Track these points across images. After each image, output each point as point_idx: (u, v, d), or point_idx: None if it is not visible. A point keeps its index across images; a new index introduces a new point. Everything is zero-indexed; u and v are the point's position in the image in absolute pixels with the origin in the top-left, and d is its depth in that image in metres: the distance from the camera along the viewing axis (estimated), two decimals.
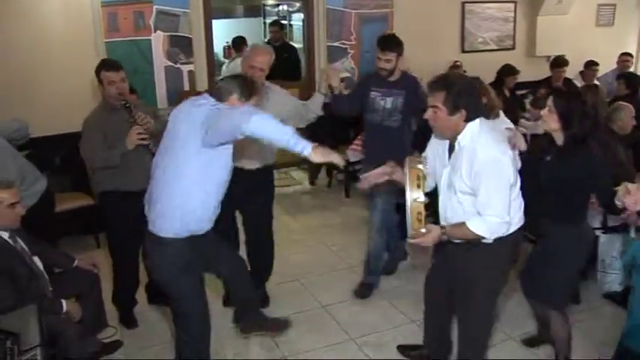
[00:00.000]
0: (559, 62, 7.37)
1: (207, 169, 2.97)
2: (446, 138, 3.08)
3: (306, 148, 2.67)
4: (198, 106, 3.01)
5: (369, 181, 3.46)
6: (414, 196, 2.88)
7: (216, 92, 3.07)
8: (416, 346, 3.92)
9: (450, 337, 3.71)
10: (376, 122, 4.58)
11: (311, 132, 4.91)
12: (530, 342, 4.09)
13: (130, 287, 4.53)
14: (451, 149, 3.07)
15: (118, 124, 3.99)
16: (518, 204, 3.05)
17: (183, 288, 3.21)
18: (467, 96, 2.93)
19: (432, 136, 3.25)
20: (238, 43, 8.28)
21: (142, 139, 3.88)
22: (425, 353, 3.82)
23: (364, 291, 4.78)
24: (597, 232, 4.53)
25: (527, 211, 3.15)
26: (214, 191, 3.08)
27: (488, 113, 3.44)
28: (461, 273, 3.21)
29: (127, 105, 4.01)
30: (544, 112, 3.32)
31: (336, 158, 2.76)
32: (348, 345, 4.16)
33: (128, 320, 4.46)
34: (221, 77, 3.17)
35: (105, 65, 4.09)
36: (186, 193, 2.98)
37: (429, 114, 3.00)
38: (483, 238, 2.95)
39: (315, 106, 4.31)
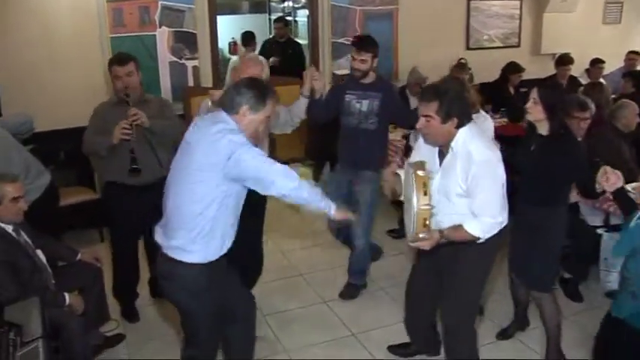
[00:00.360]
0: (564, 60, 7.35)
1: (228, 196, 2.85)
2: (437, 145, 3.15)
3: (331, 208, 2.95)
4: (218, 133, 2.78)
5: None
6: (422, 203, 2.91)
7: (227, 104, 2.89)
8: (405, 344, 3.94)
9: (436, 327, 3.78)
10: (352, 125, 4.49)
11: (321, 133, 4.89)
12: (504, 334, 4.19)
13: (131, 280, 4.56)
14: (440, 155, 3.16)
15: (116, 117, 4.03)
16: (505, 203, 3.10)
17: (200, 313, 3.06)
18: (458, 103, 3.01)
19: (419, 143, 3.32)
20: (248, 39, 8.29)
21: (126, 134, 3.93)
22: (415, 348, 3.90)
23: (352, 292, 4.78)
24: (600, 231, 4.54)
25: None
26: (234, 213, 2.97)
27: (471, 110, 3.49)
28: (451, 267, 3.29)
29: (127, 100, 4.06)
30: (529, 104, 3.48)
31: (352, 217, 3.12)
32: (349, 340, 4.18)
33: (130, 314, 4.49)
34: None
35: (112, 59, 4.21)
36: (207, 219, 2.84)
37: (422, 123, 3.05)
38: (478, 238, 3.03)
39: (299, 111, 4.14)
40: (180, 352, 3.40)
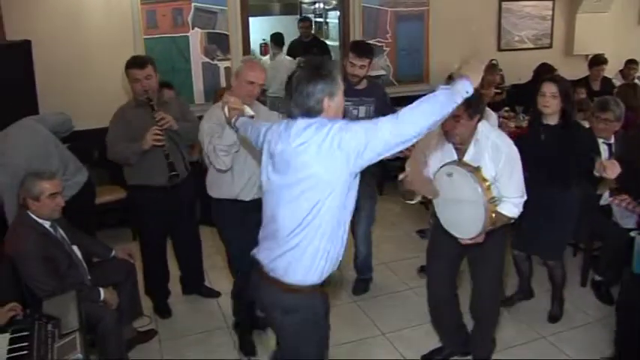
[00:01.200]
0: (598, 60, 7.22)
1: (348, 200, 2.48)
2: (462, 141, 3.25)
3: (467, 85, 2.27)
4: (321, 134, 2.36)
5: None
6: (489, 196, 3.04)
7: (305, 108, 2.43)
8: (437, 349, 3.94)
9: (463, 321, 3.86)
10: None
11: None
12: (507, 302, 4.46)
13: (161, 278, 4.63)
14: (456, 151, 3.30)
15: (141, 120, 4.08)
16: None
17: (320, 348, 2.80)
18: (479, 101, 3.14)
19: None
20: (278, 40, 8.33)
21: (158, 140, 3.97)
22: (448, 351, 3.90)
23: (364, 286, 4.86)
24: (633, 233, 4.48)
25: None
26: (348, 221, 2.60)
27: None
28: (478, 256, 3.46)
29: (151, 102, 4.10)
30: (548, 99, 3.83)
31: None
32: (379, 340, 4.19)
33: (162, 310, 4.56)
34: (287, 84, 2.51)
35: (130, 63, 4.17)
36: (330, 234, 2.48)
37: (450, 124, 3.11)
38: (513, 218, 3.23)
39: None
40: None
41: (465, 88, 2.25)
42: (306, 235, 2.45)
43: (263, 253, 2.62)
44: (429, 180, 3.30)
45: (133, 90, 4.17)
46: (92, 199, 4.73)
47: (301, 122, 2.43)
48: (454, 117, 3.04)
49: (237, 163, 3.64)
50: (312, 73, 2.42)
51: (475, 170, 3.08)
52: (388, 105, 4.47)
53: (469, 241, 3.19)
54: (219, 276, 5.02)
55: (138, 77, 4.08)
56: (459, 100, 2.25)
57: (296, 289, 2.53)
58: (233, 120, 3.15)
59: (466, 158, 3.21)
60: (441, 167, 3.23)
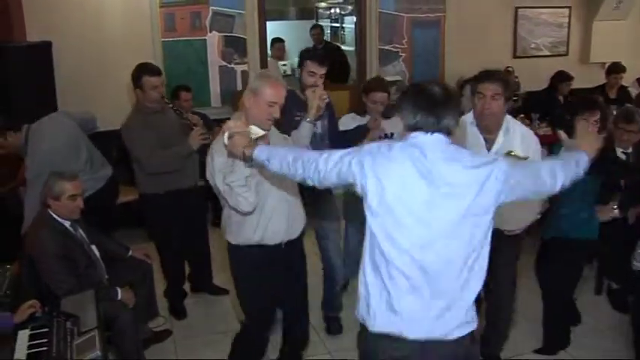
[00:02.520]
0: (616, 69, 7.18)
1: None
2: (491, 129, 3.26)
3: (584, 160, 2.37)
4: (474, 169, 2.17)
5: None
6: None
7: (444, 129, 2.20)
8: None
9: None
10: None
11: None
12: None
13: (179, 280, 4.69)
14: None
15: (167, 127, 4.16)
16: None
17: None
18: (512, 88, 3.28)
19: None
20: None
21: (204, 138, 4.02)
22: None
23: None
24: None
25: None
26: None
27: None
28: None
29: (175, 107, 4.19)
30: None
31: None
32: None
33: (178, 311, 4.60)
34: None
35: (148, 70, 4.18)
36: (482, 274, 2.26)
37: (489, 103, 3.14)
38: None
39: (303, 139, 3.51)
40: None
41: (583, 163, 2.35)
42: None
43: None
44: None
45: (148, 97, 4.13)
46: (115, 194, 4.86)
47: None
48: (493, 95, 3.12)
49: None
50: (453, 91, 2.34)
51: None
52: (335, 120, 4.17)
53: (518, 232, 3.30)
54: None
55: (156, 84, 4.13)
56: (580, 173, 2.33)
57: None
58: (249, 151, 2.56)
59: (496, 147, 3.24)
60: None
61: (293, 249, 3.28)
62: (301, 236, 3.33)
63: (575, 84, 7.17)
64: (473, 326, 2.26)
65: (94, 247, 3.81)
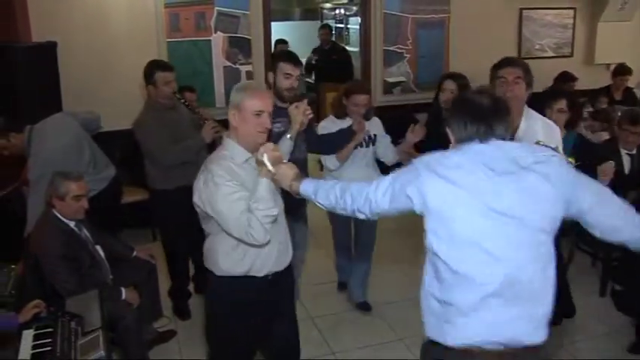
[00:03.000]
0: (623, 70, 7.15)
1: None
2: (514, 114, 3.05)
3: None
4: (540, 162, 2.10)
5: None
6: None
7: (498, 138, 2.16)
8: None
9: None
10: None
11: None
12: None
13: (184, 280, 4.69)
14: None
15: (178, 122, 4.20)
16: None
17: None
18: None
19: None
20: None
21: (217, 131, 4.06)
22: None
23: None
24: None
25: None
26: None
27: None
28: None
29: (186, 103, 4.23)
30: (447, 94, 4.34)
31: None
32: (397, 345, 4.20)
33: (183, 311, 4.61)
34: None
35: (160, 66, 4.27)
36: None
37: (512, 86, 3.13)
38: None
39: (282, 155, 3.11)
40: None
41: None
42: None
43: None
44: None
45: (161, 93, 4.21)
46: (119, 194, 4.87)
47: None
48: (515, 79, 3.13)
49: None
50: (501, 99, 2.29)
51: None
52: (314, 127, 4.11)
53: None
54: None
55: (169, 79, 4.20)
56: None
57: None
58: (296, 185, 2.51)
59: (519, 133, 3.19)
60: None
61: (281, 283, 2.94)
62: (289, 269, 3.00)
63: (580, 85, 7.15)
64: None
65: (98, 248, 3.83)
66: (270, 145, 2.61)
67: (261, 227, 2.55)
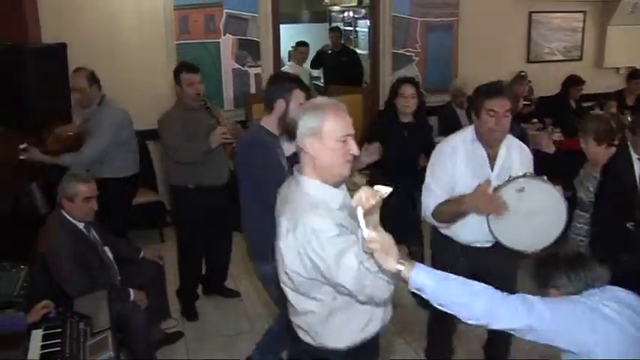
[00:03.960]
0: (637, 74, 7.10)
1: None
2: (497, 144, 3.19)
3: None
4: None
5: None
6: None
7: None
8: None
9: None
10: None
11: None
12: None
13: (195, 281, 4.70)
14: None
15: (197, 123, 4.25)
16: None
17: None
18: None
19: (456, 167, 3.22)
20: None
21: (226, 138, 4.07)
22: None
23: None
24: None
25: None
26: None
27: None
28: (493, 265, 3.25)
29: (207, 106, 4.31)
30: (408, 98, 4.31)
31: None
32: (398, 347, 4.21)
33: (190, 313, 4.61)
34: None
35: (185, 67, 4.36)
36: None
37: (501, 120, 3.06)
38: None
39: None
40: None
41: None
42: None
43: None
44: (495, 196, 2.97)
45: (185, 94, 4.29)
46: (135, 191, 5.08)
47: None
48: (505, 112, 3.05)
49: None
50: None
51: (537, 176, 3.07)
52: None
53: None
54: (248, 280, 5.09)
55: (194, 81, 4.28)
56: None
57: None
58: (406, 271, 1.90)
59: (499, 161, 3.18)
60: (505, 185, 3.03)
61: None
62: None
63: (589, 89, 7.14)
64: None
65: (106, 249, 3.84)
66: (370, 191, 1.91)
67: (381, 281, 2.04)
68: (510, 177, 3.05)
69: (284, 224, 2.16)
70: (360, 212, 1.85)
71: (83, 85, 4.59)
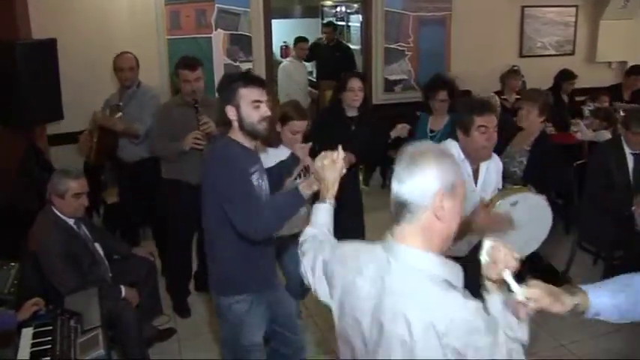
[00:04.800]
0: (637, 70, 7.07)
1: None
2: (487, 159, 3.28)
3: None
4: None
5: None
6: None
7: None
8: None
9: None
10: None
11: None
12: None
13: (184, 277, 4.68)
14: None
15: (184, 120, 4.19)
16: None
17: None
18: None
19: None
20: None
21: (197, 144, 4.03)
22: None
23: None
24: None
25: None
26: None
27: None
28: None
29: (195, 105, 4.18)
30: (357, 92, 4.32)
31: None
32: None
33: (182, 309, 4.59)
34: None
35: (182, 63, 4.32)
36: None
37: (492, 135, 3.14)
38: None
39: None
40: None
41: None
42: None
43: None
44: (500, 216, 2.95)
45: (182, 90, 4.30)
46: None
47: None
48: (494, 126, 3.14)
49: None
50: None
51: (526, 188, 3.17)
52: None
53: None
54: None
55: (189, 78, 4.22)
56: None
57: None
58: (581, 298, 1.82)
59: (481, 177, 3.29)
60: (499, 201, 3.02)
61: None
62: None
63: (582, 83, 7.15)
64: None
65: (97, 245, 3.82)
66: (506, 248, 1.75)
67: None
68: (500, 190, 3.20)
69: (402, 321, 1.63)
70: (507, 274, 1.67)
71: (133, 64, 4.99)
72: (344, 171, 2.35)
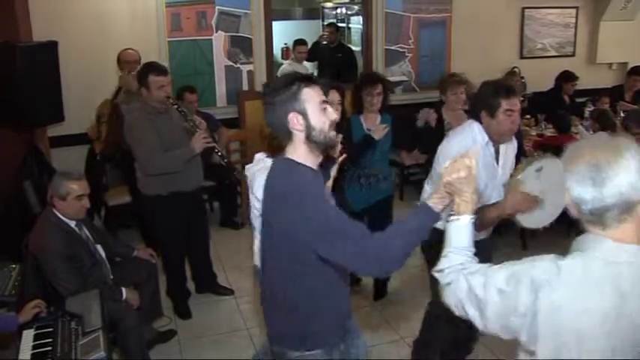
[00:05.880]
0: (638, 71, 7.03)
1: None
2: (510, 140, 3.31)
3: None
4: None
5: None
6: None
7: None
8: None
9: None
10: None
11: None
12: None
13: (182, 279, 4.69)
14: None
15: (170, 128, 4.13)
16: None
17: None
18: None
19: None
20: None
21: (208, 142, 4.02)
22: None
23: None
24: None
25: None
26: None
27: None
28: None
29: (181, 109, 4.13)
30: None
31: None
32: (399, 344, 4.19)
33: (183, 311, 4.60)
34: None
35: (154, 70, 4.10)
36: None
37: (517, 117, 3.14)
38: None
39: None
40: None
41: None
42: None
43: None
44: (528, 194, 2.94)
45: (153, 97, 4.08)
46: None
47: None
48: (519, 109, 3.15)
49: None
50: None
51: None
52: None
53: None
54: (239, 277, 5.08)
55: (163, 84, 4.06)
56: None
57: None
58: None
59: (502, 157, 3.29)
60: (525, 168, 3.01)
61: None
62: None
63: (583, 84, 7.14)
64: None
65: (99, 247, 3.82)
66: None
67: None
68: (523, 160, 3.13)
69: None
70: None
71: (137, 57, 5.13)
72: None
